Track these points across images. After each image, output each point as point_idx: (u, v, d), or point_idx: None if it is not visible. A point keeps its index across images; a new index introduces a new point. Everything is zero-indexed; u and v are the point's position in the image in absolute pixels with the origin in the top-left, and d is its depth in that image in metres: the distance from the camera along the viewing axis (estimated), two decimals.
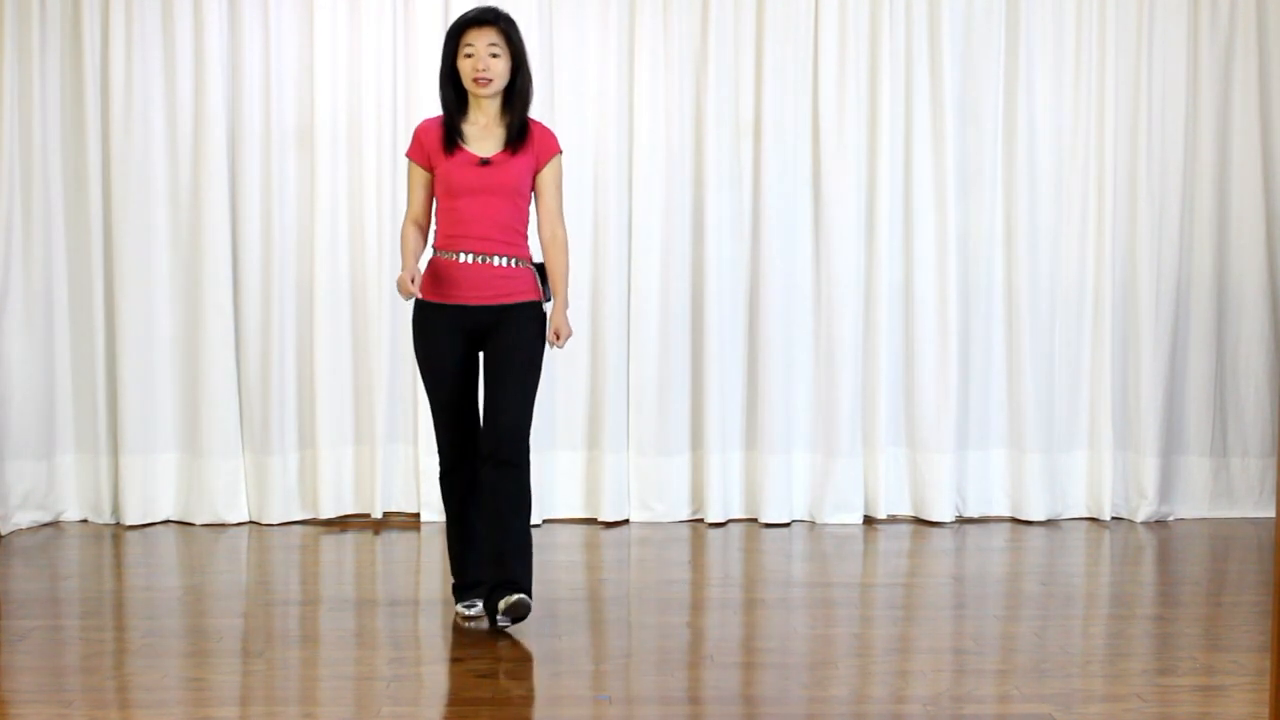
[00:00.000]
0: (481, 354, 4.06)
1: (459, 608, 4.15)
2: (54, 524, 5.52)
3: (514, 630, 4.03)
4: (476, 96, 4.01)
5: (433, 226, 4.10)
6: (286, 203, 5.53)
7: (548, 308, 4.06)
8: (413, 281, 3.90)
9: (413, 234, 4.06)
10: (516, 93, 4.01)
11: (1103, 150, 5.61)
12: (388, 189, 5.52)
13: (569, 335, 4.02)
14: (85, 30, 5.40)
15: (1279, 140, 5.68)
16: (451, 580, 4.22)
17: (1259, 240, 5.67)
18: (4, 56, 5.37)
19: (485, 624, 4.07)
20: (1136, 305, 5.65)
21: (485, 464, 3.94)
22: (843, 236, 5.55)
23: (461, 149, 3.98)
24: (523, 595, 3.92)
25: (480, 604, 4.09)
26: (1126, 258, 5.66)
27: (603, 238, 5.53)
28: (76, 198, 5.48)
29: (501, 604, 3.92)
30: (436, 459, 4.17)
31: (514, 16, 4.04)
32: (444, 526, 4.24)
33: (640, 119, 5.54)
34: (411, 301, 4.07)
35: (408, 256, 4.02)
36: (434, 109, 5.37)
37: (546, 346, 4.06)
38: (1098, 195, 5.62)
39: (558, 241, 4.06)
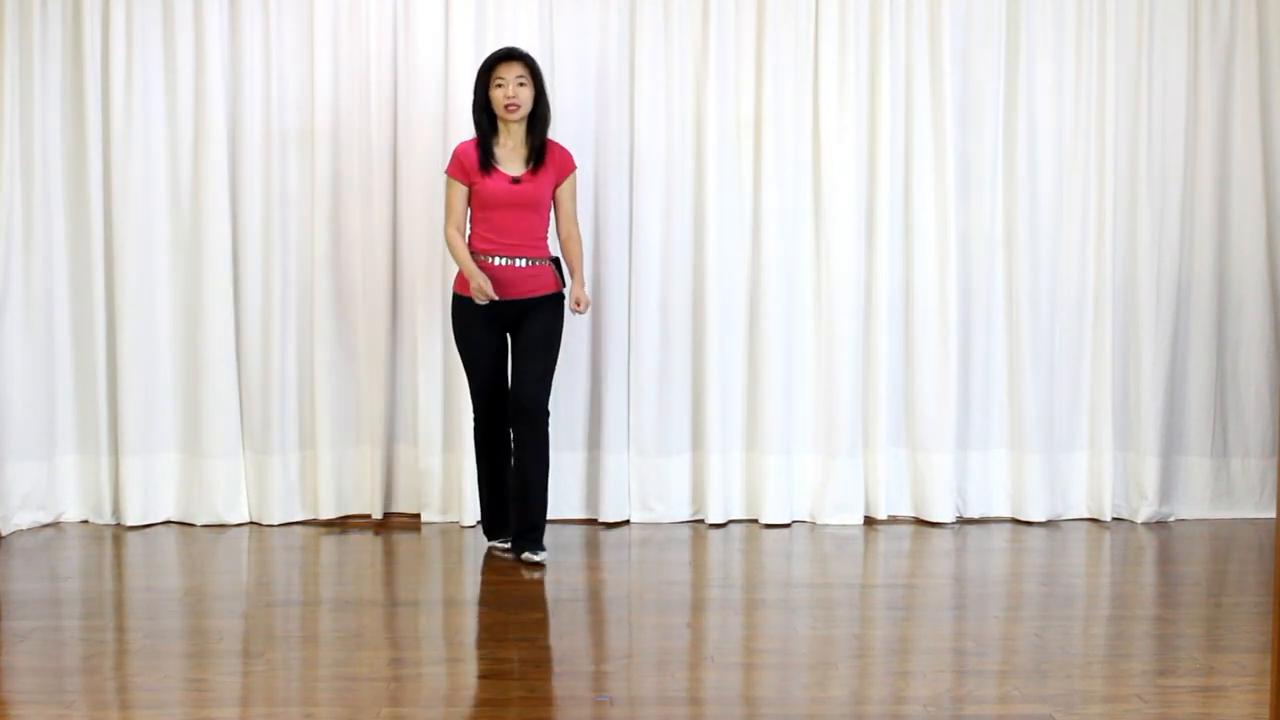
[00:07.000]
0: (510, 336, 4.87)
1: (493, 542, 5.07)
2: (54, 524, 5.52)
3: (514, 631, 4.06)
4: (506, 122, 4.82)
5: (467, 230, 4.83)
6: (287, 203, 5.53)
7: (566, 292, 4.90)
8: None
9: (460, 241, 4.82)
10: (538, 118, 4.83)
11: (1103, 151, 5.60)
12: (387, 190, 5.51)
13: (587, 303, 4.92)
14: (86, 31, 5.40)
15: (1279, 140, 5.68)
16: (482, 521, 5.09)
17: (1259, 240, 5.67)
18: (5, 57, 5.36)
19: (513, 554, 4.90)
20: (1137, 305, 5.64)
21: (516, 423, 4.81)
22: (843, 236, 5.55)
23: (496, 169, 4.80)
24: (542, 556, 4.84)
25: (509, 540, 4.97)
26: (1126, 258, 5.66)
27: (603, 238, 5.52)
28: (77, 198, 5.48)
29: (525, 557, 4.85)
30: (472, 421, 5.03)
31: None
32: (475, 478, 5.15)
33: (640, 119, 5.54)
34: (449, 299, 4.96)
35: (470, 263, 4.76)
36: (432, 109, 5.51)
37: (566, 321, 4.92)
38: (1098, 195, 5.61)
39: (573, 239, 4.94)
